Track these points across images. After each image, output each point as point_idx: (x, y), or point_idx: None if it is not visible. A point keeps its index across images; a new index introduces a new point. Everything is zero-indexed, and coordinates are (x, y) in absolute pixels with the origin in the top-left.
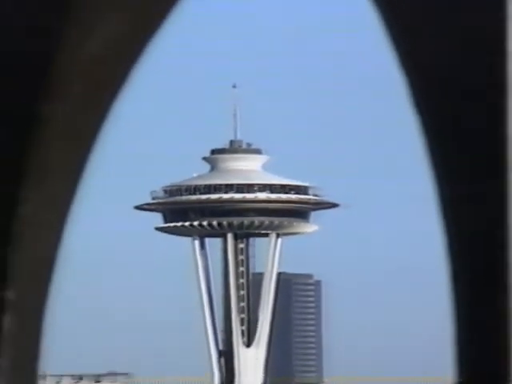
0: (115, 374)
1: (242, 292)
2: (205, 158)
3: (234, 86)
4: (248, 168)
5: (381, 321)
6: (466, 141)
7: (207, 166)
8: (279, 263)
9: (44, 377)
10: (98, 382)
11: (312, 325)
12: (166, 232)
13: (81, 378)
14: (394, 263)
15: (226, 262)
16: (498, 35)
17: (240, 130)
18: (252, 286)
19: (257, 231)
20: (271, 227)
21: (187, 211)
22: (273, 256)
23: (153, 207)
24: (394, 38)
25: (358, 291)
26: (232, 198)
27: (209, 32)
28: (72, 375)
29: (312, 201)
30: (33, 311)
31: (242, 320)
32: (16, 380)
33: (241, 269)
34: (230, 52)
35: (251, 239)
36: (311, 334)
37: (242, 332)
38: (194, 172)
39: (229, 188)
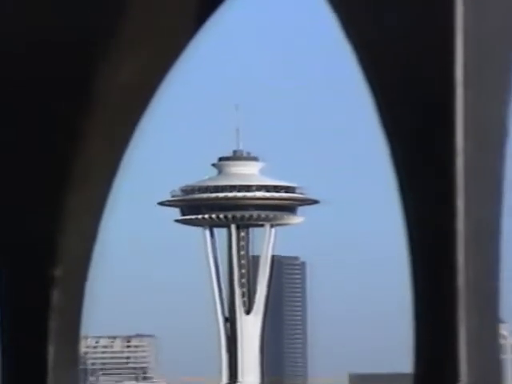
0: (142, 336)
1: (243, 271)
2: (214, 164)
3: (237, 108)
4: (248, 172)
5: (353, 292)
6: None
7: (215, 171)
8: (272, 248)
9: (86, 338)
10: (129, 341)
11: (299, 297)
12: (182, 223)
13: (114, 338)
14: (362, 248)
15: (230, 247)
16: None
17: (241, 142)
18: (251, 266)
19: (254, 222)
20: (266, 219)
21: (200, 207)
22: (267, 242)
23: (172, 203)
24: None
25: (335, 270)
26: (235, 196)
27: (217, 63)
28: (108, 336)
29: (298, 198)
30: (76, 285)
31: (242, 293)
32: (63, 341)
33: (242, 252)
34: (235, 77)
35: (250, 229)
36: (298, 303)
37: (243, 302)
38: (205, 175)
39: (232, 188)
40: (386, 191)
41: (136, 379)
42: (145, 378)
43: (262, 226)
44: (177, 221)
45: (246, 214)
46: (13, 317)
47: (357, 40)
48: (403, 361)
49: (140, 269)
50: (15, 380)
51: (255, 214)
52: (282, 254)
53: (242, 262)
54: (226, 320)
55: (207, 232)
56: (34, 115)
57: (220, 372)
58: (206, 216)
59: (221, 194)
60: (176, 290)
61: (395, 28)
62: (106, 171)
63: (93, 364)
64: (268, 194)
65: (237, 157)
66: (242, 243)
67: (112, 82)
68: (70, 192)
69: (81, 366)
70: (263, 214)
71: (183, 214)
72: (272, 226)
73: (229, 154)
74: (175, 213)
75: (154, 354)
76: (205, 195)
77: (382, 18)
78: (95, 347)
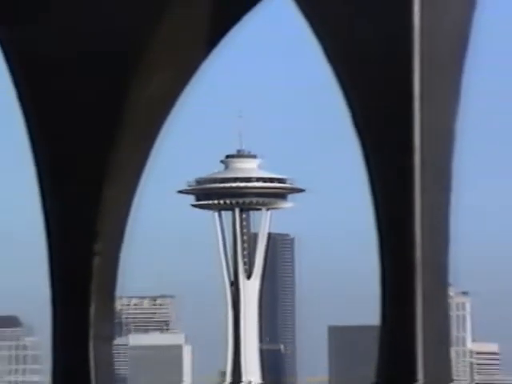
0: (165, 296)
1: (244, 245)
2: (222, 161)
3: (240, 116)
4: (248, 167)
5: (332, 259)
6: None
7: (223, 166)
8: (268, 227)
9: (120, 298)
10: (155, 300)
11: (289, 265)
12: (197, 207)
13: (143, 298)
14: (337, 226)
15: (234, 226)
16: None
17: (244, 143)
18: (251, 241)
19: (254, 207)
20: (263, 204)
21: (210, 194)
22: (264, 222)
23: (189, 191)
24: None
25: (317, 243)
26: (238, 186)
27: (226, 76)
28: (138, 296)
29: (288, 187)
30: (112, 256)
31: (244, 262)
32: (102, 300)
33: (244, 230)
34: (240, 89)
35: (250, 212)
36: (288, 270)
37: (245, 269)
38: (214, 169)
39: (236, 180)
40: (359, 182)
41: (160, 331)
42: (167, 330)
43: (259, 209)
44: (192, 205)
45: (247, 200)
46: (63, 281)
47: (333, 54)
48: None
49: (164, 243)
50: (65, 331)
51: (254, 200)
52: (276, 232)
53: (244, 237)
54: (232, 283)
55: (216, 214)
56: (81, 118)
57: (226, 322)
58: (216, 201)
59: (227, 184)
60: (192, 260)
61: (366, 42)
62: (135, 167)
63: (126, 319)
64: (264, 184)
65: (240, 155)
66: (244, 223)
67: (142, 94)
68: (108, 185)
69: (116, 320)
70: (261, 200)
71: (197, 200)
72: (268, 209)
73: (233, 152)
74: (191, 199)
75: (175, 311)
76: (214, 185)
77: (350, 38)
78: (128, 305)
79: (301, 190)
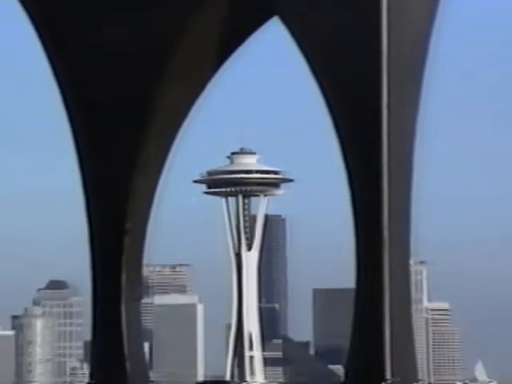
0: (182, 265)
1: (246, 224)
2: (228, 157)
3: (242, 122)
4: (249, 161)
5: (317, 235)
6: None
7: (228, 161)
8: (265, 209)
9: (147, 265)
10: (174, 268)
11: (282, 240)
12: (208, 194)
13: (165, 266)
14: (321, 210)
15: (238, 209)
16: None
17: (245, 142)
18: (251, 221)
19: (253, 193)
20: (261, 191)
21: (219, 183)
22: (261, 206)
23: (202, 181)
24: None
25: (305, 222)
26: (242, 177)
27: (232, 89)
28: (160, 265)
29: (281, 178)
30: (140, 232)
31: (246, 237)
32: (131, 267)
33: (245, 212)
34: (242, 100)
35: (252, 198)
36: (281, 243)
37: (247, 243)
38: (222, 163)
39: (239, 172)
40: (338, 174)
41: (178, 292)
42: (184, 292)
43: (258, 195)
44: (205, 192)
45: (248, 188)
46: (101, 253)
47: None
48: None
49: (182, 222)
50: (103, 293)
51: (254, 188)
52: (271, 213)
53: (246, 218)
54: (236, 254)
55: (224, 199)
56: (114, 125)
57: (231, 285)
58: (223, 189)
59: (232, 176)
60: (204, 235)
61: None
62: (159, 162)
63: (151, 283)
64: (262, 175)
65: (242, 152)
66: (246, 206)
67: (162, 104)
68: (138, 175)
69: (143, 284)
70: (259, 188)
71: (209, 188)
72: (265, 195)
73: (237, 149)
74: (203, 187)
75: (190, 276)
76: (222, 176)
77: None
78: (153, 272)
79: (291, 180)
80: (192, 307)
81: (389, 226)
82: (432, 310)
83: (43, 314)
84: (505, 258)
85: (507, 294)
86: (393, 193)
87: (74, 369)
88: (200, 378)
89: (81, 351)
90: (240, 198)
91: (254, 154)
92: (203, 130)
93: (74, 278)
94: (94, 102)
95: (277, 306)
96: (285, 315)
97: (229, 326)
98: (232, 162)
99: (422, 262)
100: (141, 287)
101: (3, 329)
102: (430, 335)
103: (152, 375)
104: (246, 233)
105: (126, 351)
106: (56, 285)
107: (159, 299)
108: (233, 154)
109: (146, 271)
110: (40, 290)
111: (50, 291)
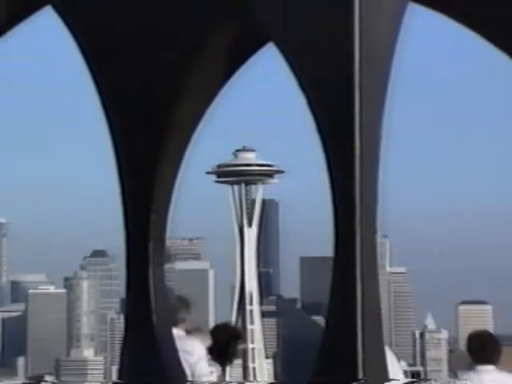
0: (198, 238)
1: (247, 205)
2: (233, 153)
3: (243, 127)
4: (249, 157)
5: (305, 216)
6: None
7: (233, 156)
8: (262, 195)
9: (169, 238)
10: (191, 240)
11: (275, 219)
12: (218, 183)
13: (184, 239)
14: (307, 196)
15: (241, 194)
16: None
17: (246, 142)
18: (251, 203)
19: (253, 182)
20: (259, 181)
21: (226, 174)
22: (259, 192)
23: (213, 172)
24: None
25: (294, 205)
26: (244, 169)
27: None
28: (181, 238)
29: (274, 170)
30: (163, 217)
31: (247, 216)
32: (157, 239)
33: (247, 197)
34: (244, 107)
35: (252, 185)
36: (275, 221)
37: (248, 221)
38: (228, 158)
39: (242, 165)
40: (321, 167)
41: (194, 260)
42: (199, 259)
43: (256, 184)
44: (215, 181)
45: (249, 178)
46: (133, 229)
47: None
48: None
49: (198, 204)
50: (134, 260)
51: (253, 178)
52: (266, 198)
53: (248, 201)
54: (240, 229)
55: (230, 187)
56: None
57: (235, 254)
58: (229, 179)
59: (236, 168)
60: (215, 215)
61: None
62: (179, 157)
63: (173, 251)
64: (260, 168)
65: (244, 149)
66: (247, 192)
67: (178, 112)
68: (160, 168)
69: (167, 253)
70: (257, 178)
71: (218, 177)
72: (262, 184)
73: (240, 147)
74: (214, 177)
75: (204, 247)
76: (228, 169)
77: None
78: (174, 243)
79: (282, 171)
80: (205, 272)
81: (360, 205)
82: (392, 273)
83: (88, 277)
84: (444, 224)
85: (453, 256)
86: (363, 180)
87: (112, 319)
88: (211, 323)
89: (118, 305)
90: (242, 185)
91: (253, 150)
92: (213, 132)
93: (113, 247)
94: (127, 106)
95: (271, 270)
96: (277, 277)
97: (233, 287)
98: (236, 157)
99: (384, 236)
100: (164, 255)
101: (57, 288)
102: (392, 294)
103: None
104: (247, 213)
105: (152, 304)
106: (98, 253)
107: (179, 265)
108: (237, 151)
109: (168, 242)
110: (85, 257)
111: (93, 259)
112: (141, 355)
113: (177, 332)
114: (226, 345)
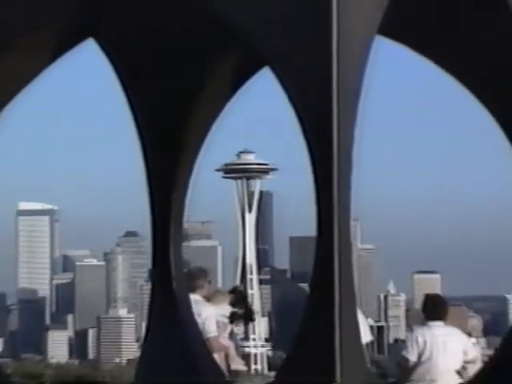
0: (209, 221)
1: (248, 196)
2: (236, 155)
3: (244, 130)
4: (250, 157)
5: (295, 202)
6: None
7: (236, 157)
8: (259, 187)
9: (187, 221)
10: (203, 223)
11: (270, 206)
12: (225, 178)
13: (197, 222)
14: (297, 185)
15: (243, 187)
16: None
17: (246, 145)
18: (251, 194)
19: (252, 178)
20: (256, 177)
21: (231, 171)
22: (257, 185)
23: (221, 170)
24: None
25: (286, 196)
26: (245, 167)
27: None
28: (194, 221)
29: (269, 168)
30: (180, 202)
31: (247, 204)
32: (175, 223)
33: (248, 189)
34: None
35: (251, 180)
36: (270, 208)
37: (248, 207)
38: (232, 159)
39: (244, 164)
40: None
41: (205, 239)
42: (209, 238)
43: (255, 179)
44: (222, 177)
45: (249, 174)
46: (157, 211)
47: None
48: None
49: (209, 194)
50: (158, 238)
51: (252, 174)
52: (263, 190)
53: (249, 193)
54: (242, 215)
55: (234, 182)
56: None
57: (238, 234)
58: (234, 175)
59: (239, 166)
60: (222, 203)
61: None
62: (193, 157)
63: (190, 232)
64: (257, 166)
65: (245, 152)
66: (248, 186)
67: (190, 120)
68: (179, 168)
69: (183, 233)
70: (256, 174)
71: (225, 174)
72: (260, 179)
73: (242, 150)
74: (221, 173)
75: (213, 228)
76: (233, 167)
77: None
78: (190, 225)
79: (276, 169)
80: (214, 248)
81: (338, 194)
82: (362, 249)
83: (122, 252)
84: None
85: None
86: (340, 173)
87: (141, 285)
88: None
89: (146, 275)
90: (244, 180)
91: (253, 152)
92: (221, 137)
93: (142, 229)
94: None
95: (266, 247)
96: (272, 253)
97: (237, 260)
98: (239, 158)
99: (355, 220)
100: (182, 235)
101: (98, 260)
102: (362, 265)
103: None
104: (248, 202)
105: (173, 274)
106: (130, 233)
107: (194, 243)
108: (240, 152)
109: (185, 225)
110: (120, 237)
111: (126, 238)
112: (163, 314)
113: (193, 297)
114: (246, 304)
